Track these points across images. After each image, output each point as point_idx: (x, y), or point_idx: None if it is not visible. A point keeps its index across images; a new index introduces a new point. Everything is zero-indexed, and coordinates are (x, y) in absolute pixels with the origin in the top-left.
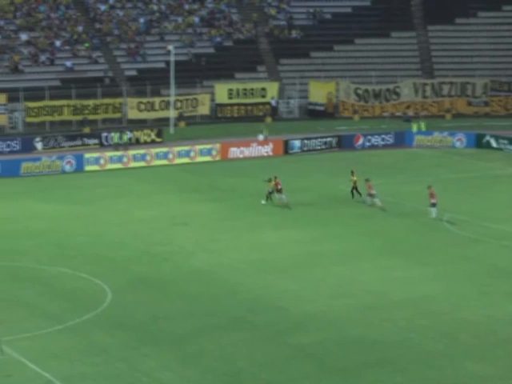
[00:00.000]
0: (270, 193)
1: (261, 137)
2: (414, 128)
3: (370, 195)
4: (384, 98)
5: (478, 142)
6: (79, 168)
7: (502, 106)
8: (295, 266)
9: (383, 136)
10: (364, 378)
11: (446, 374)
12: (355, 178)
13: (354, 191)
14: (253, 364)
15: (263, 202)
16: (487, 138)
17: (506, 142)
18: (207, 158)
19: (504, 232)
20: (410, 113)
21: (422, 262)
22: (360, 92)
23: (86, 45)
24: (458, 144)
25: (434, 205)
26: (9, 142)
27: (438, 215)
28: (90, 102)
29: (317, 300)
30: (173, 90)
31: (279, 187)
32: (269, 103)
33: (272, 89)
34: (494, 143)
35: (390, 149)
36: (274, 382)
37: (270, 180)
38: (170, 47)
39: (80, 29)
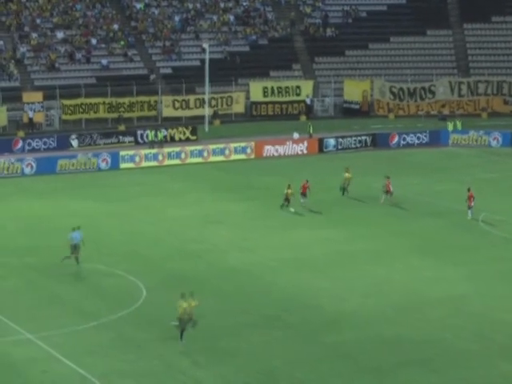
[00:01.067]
0: (286, 199)
1: (296, 135)
2: (450, 127)
3: (388, 193)
4: (419, 97)
5: None
6: (114, 166)
7: None
8: (328, 265)
9: (418, 135)
10: (397, 377)
11: (480, 374)
12: (350, 175)
13: (344, 188)
14: (286, 362)
15: (292, 209)
16: None
17: None
18: (242, 156)
19: None
20: (446, 111)
21: (455, 262)
22: (395, 90)
23: (122, 43)
24: (494, 143)
25: (469, 207)
26: (45, 140)
27: (473, 216)
28: (126, 100)
29: (350, 299)
30: (208, 88)
31: (305, 191)
32: (304, 101)
33: (307, 87)
34: None
35: (425, 148)
36: (307, 380)
37: (289, 186)
38: (205, 45)
39: (116, 27)
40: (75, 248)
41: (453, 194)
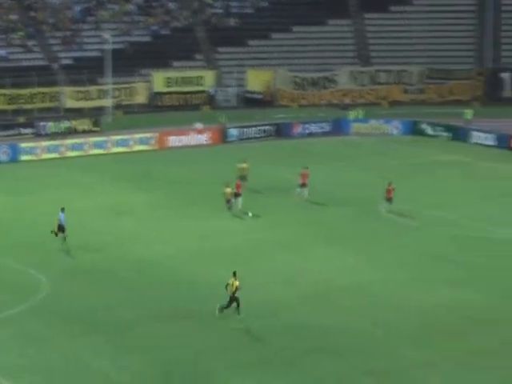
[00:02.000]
0: (229, 200)
1: (198, 125)
2: (352, 116)
3: (302, 185)
4: (322, 86)
5: (414, 129)
6: (15, 158)
7: (437, 93)
8: (236, 255)
9: (321, 124)
10: (306, 365)
11: (385, 361)
12: (246, 166)
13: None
14: (193, 353)
15: (250, 214)
16: (423, 125)
17: (441, 129)
18: (145, 147)
19: (440, 218)
20: (348, 101)
21: (360, 251)
22: (298, 80)
23: (21, 33)
24: (394, 131)
25: (388, 199)
26: None
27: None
28: (26, 92)
29: (259, 288)
30: (109, 78)
31: (239, 191)
32: (206, 92)
33: (209, 77)
34: (429, 130)
35: (327, 137)
36: (214, 370)
37: (227, 185)
38: (107, 36)
39: (14, 17)
40: (60, 228)
41: (356, 183)
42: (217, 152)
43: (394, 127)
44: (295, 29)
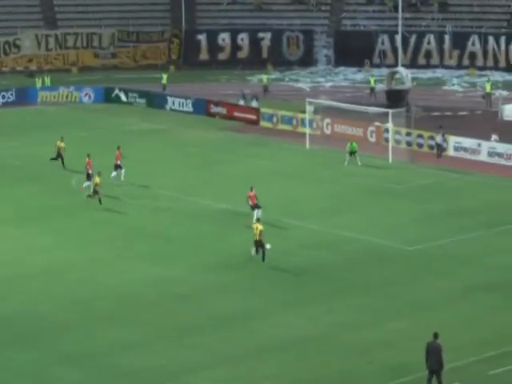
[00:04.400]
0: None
1: None
2: (38, 83)
3: (118, 166)
4: (3, 52)
5: (107, 97)
6: None
7: (130, 57)
8: None
9: (3, 93)
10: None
11: (85, 344)
12: (62, 145)
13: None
14: None
15: (268, 246)
16: (116, 91)
17: (135, 95)
18: None
19: (142, 190)
20: (33, 67)
21: (56, 229)
22: None
23: None
24: (85, 99)
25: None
26: None
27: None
28: None
29: None
30: None
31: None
32: None
33: None
34: (123, 97)
35: (11, 107)
36: None
37: (98, 174)
38: None
39: None
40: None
41: (44, 156)
42: None
43: (85, 95)
44: None
